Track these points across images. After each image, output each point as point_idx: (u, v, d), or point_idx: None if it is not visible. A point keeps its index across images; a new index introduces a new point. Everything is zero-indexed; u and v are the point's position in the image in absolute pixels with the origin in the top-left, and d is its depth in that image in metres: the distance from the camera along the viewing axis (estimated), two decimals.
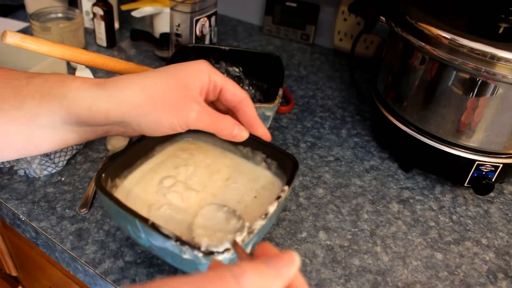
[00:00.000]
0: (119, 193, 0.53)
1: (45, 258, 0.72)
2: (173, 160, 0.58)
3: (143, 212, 0.44)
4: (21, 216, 0.58)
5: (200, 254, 0.41)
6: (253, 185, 0.56)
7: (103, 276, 0.52)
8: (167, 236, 0.42)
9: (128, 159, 0.55)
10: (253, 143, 0.58)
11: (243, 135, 0.47)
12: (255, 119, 0.48)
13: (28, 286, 0.91)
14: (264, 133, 0.49)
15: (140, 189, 0.54)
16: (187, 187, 0.54)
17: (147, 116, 0.44)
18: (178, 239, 0.42)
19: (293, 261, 0.29)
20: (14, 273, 0.90)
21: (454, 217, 0.64)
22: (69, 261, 0.56)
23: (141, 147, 0.56)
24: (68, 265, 0.56)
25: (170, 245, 0.42)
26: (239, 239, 0.43)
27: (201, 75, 0.46)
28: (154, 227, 0.43)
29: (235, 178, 0.57)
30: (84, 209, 0.59)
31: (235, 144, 0.59)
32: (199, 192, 0.54)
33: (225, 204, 0.51)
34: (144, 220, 0.43)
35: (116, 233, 0.57)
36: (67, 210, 0.59)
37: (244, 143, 0.58)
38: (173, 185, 0.54)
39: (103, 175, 0.49)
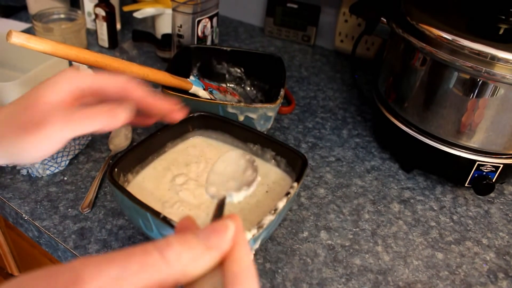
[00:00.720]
0: (132, 188, 0.53)
1: (47, 257, 0.72)
2: (184, 157, 0.59)
3: (157, 208, 0.45)
4: (24, 215, 0.58)
5: None
6: (264, 180, 0.57)
7: None
8: None
9: (140, 155, 0.56)
10: (262, 140, 0.59)
11: (120, 115, 0.41)
12: (148, 98, 0.44)
13: None
14: (168, 107, 0.45)
15: (153, 185, 0.55)
16: (198, 184, 0.55)
17: (12, 145, 0.40)
18: None
19: (226, 230, 0.27)
20: (16, 273, 0.91)
21: (454, 217, 0.64)
22: (71, 260, 0.56)
23: (153, 143, 0.57)
24: None
25: None
26: (251, 233, 0.43)
27: (59, 85, 0.41)
28: (166, 221, 0.43)
29: None
30: (87, 209, 0.59)
31: (245, 141, 0.60)
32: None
33: (248, 153, 0.47)
34: (156, 213, 0.44)
35: (119, 232, 0.57)
36: (69, 209, 0.59)
37: (254, 141, 0.59)
38: (185, 183, 0.55)
39: (116, 169, 0.50)
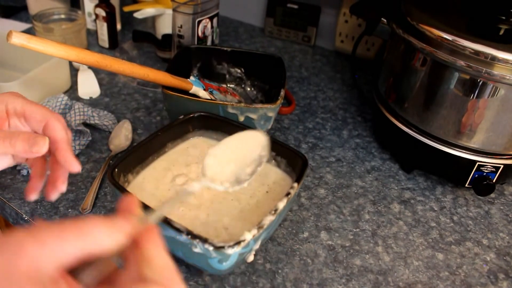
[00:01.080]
0: (132, 189, 0.54)
1: None
2: (184, 157, 0.59)
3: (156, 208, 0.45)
4: (24, 216, 0.58)
5: (211, 248, 0.42)
6: (264, 180, 0.57)
7: None
8: (178, 230, 0.43)
9: (141, 155, 0.56)
10: None
11: (41, 144, 0.40)
12: (61, 143, 0.42)
13: None
14: (70, 161, 0.42)
15: (153, 186, 0.55)
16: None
17: None
18: (189, 233, 0.43)
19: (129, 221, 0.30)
20: None
21: (455, 218, 0.64)
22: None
23: (153, 143, 0.57)
24: None
25: (181, 238, 0.43)
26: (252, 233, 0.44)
27: None
28: (166, 221, 0.43)
29: None
30: (87, 209, 0.59)
31: None
32: (211, 189, 0.55)
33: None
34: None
35: None
36: (70, 210, 0.59)
37: None
38: (185, 183, 0.55)
39: (116, 170, 0.50)
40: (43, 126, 0.43)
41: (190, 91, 0.68)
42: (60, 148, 0.42)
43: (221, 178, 0.41)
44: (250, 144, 0.44)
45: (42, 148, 0.41)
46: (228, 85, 0.82)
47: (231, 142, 0.44)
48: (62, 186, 0.43)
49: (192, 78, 0.72)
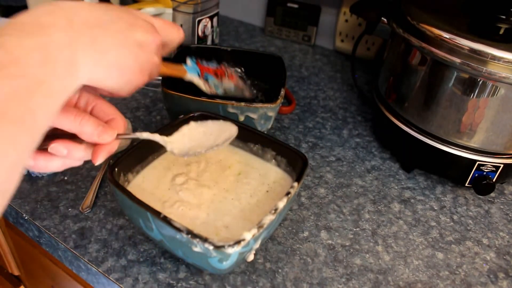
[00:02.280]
0: (132, 188, 0.54)
1: (47, 257, 0.72)
2: None
3: (157, 208, 0.45)
4: (24, 215, 0.58)
5: (211, 247, 0.42)
6: (265, 179, 0.57)
7: (106, 275, 0.52)
8: (178, 229, 0.43)
9: (140, 155, 0.56)
10: (263, 140, 0.59)
11: (108, 136, 0.41)
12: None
13: (31, 285, 0.92)
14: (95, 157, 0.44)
15: (153, 185, 0.55)
16: (199, 184, 0.56)
17: None
18: (189, 232, 0.43)
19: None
20: (16, 272, 0.91)
21: (455, 217, 0.64)
22: (72, 260, 0.56)
23: (153, 143, 0.57)
24: (71, 263, 0.57)
25: (181, 237, 0.43)
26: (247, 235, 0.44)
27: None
28: (166, 220, 0.43)
29: (246, 173, 0.58)
30: (87, 208, 0.59)
31: (245, 141, 0.60)
32: (211, 188, 0.55)
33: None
34: (156, 213, 0.44)
35: (119, 232, 0.57)
36: (70, 209, 0.59)
37: (254, 141, 0.59)
38: (185, 183, 0.55)
39: (116, 169, 0.50)
40: (108, 120, 0.43)
41: (185, 79, 0.66)
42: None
43: (177, 146, 0.49)
44: (220, 133, 0.51)
45: (109, 139, 0.41)
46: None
47: (205, 126, 0.52)
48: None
49: (188, 62, 0.70)
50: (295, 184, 0.50)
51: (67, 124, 0.39)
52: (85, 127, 0.40)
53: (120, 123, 0.43)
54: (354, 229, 0.61)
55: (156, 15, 0.98)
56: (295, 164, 0.56)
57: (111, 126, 0.42)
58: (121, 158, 0.52)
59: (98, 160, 0.42)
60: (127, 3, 1.06)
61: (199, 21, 0.82)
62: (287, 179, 0.58)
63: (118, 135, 0.42)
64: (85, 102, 0.43)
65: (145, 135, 0.47)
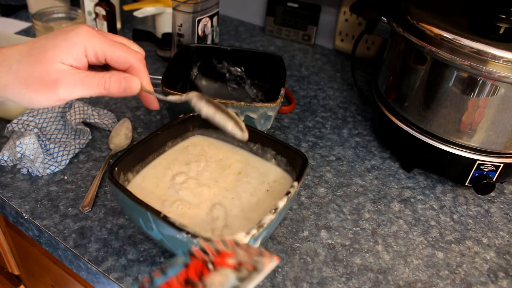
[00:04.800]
0: (132, 188, 0.53)
1: (47, 257, 0.72)
2: (185, 156, 0.59)
3: (156, 207, 0.45)
4: (24, 215, 0.58)
5: None
6: (265, 179, 0.57)
7: (106, 274, 0.52)
8: (178, 228, 0.43)
9: (140, 154, 0.56)
10: (263, 140, 0.59)
11: (133, 87, 0.44)
12: (143, 82, 0.47)
13: (31, 284, 0.92)
14: (152, 103, 0.49)
15: (153, 184, 0.55)
16: (198, 183, 0.55)
17: (17, 95, 0.43)
18: (189, 231, 0.43)
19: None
20: (16, 272, 0.91)
21: (455, 217, 0.64)
22: (72, 259, 0.56)
23: (153, 142, 0.57)
24: (71, 263, 0.57)
25: (181, 237, 0.43)
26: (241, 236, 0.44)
27: (73, 49, 0.43)
28: (166, 220, 0.43)
29: (246, 172, 0.58)
30: (87, 208, 0.59)
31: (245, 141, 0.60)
32: (211, 187, 0.55)
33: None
34: (156, 212, 0.44)
35: (119, 231, 0.57)
36: (70, 209, 0.59)
37: (254, 140, 0.59)
38: (184, 182, 0.55)
39: (116, 168, 0.50)
40: (127, 69, 0.45)
41: None
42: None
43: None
44: None
45: (135, 90, 0.45)
46: (228, 84, 0.82)
47: None
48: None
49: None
50: (295, 183, 0.50)
51: (95, 92, 0.43)
52: (111, 89, 0.43)
53: (139, 67, 0.45)
54: (354, 229, 0.61)
55: (156, 14, 0.98)
56: (295, 164, 0.56)
57: (132, 75, 0.45)
58: (121, 158, 0.52)
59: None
60: (127, 2, 1.06)
61: (199, 21, 0.82)
62: (287, 179, 0.58)
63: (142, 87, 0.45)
64: (95, 57, 0.44)
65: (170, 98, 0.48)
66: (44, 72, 0.41)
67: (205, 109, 0.47)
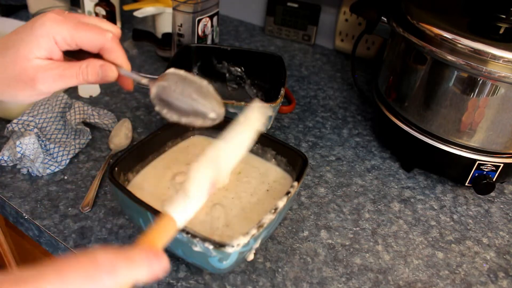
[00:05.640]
0: (132, 187, 0.54)
1: (47, 257, 0.72)
2: (185, 156, 0.59)
3: (156, 207, 0.45)
4: (24, 215, 0.58)
5: (211, 247, 0.42)
6: (265, 178, 0.57)
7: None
8: None
9: (141, 154, 0.56)
10: (263, 140, 0.59)
11: (110, 75, 0.44)
12: (117, 61, 0.45)
13: None
14: (126, 85, 0.47)
15: (152, 184, 0.55)
16: None
17: (2, 95, 0.44)
18: (189, 231, 0.43)
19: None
20: None
21: (455, 217, 0.64)
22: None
23: (153, 142, 0.57)
24: None
25: (181, 237, 0.43)
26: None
27: (42, 41, 0.42)
28: None
29: (246, 172, 0.58)
30: (87, 208, 0.59)
31: None
32: None
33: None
34: (156, 212, 0.44)
35: (119, 231, 0.57)
36: (70, 209, 0.59)
37: (255, 140, 0.59)
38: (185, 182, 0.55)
39: (116, 169, 0.50)
40: (100, 50, 0.44)
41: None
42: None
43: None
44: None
45: (112, 77, 0.44)
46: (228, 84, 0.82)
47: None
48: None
49: None
50: (295, 183, 0.50)
51: (74, 83, 0.43)
52: (89, 79, 0.43)
53: (112, 47, 0.44)
54: (354, 229, 0.61)
55: (156, 14, 0.98)
56: (295, 164, 0.56)
57: (105, 54, 0.44)
58: (121, 158, 0.52)
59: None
60: (127, 2, 1.06)
61: (199, 21, 0.82)
62: (287, 178, 0.58)
63: (118, 68, 0.44)
64: (65, 44, 0.43)
65: (144, 81, 0.45)
66: (21, 71, 0.42)
67: (169, 115, 0.45)
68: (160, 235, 0.38)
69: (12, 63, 0.42)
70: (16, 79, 0.42)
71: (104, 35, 0.44)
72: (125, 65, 0.45)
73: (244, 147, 0.44)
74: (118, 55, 0.45)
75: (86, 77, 0.43)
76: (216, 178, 0.41)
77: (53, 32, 0.42)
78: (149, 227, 0.38)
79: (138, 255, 0.34)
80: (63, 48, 0.44)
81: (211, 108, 0.43)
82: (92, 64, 0.43)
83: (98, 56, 0.44)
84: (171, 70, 0.44)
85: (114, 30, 0.46)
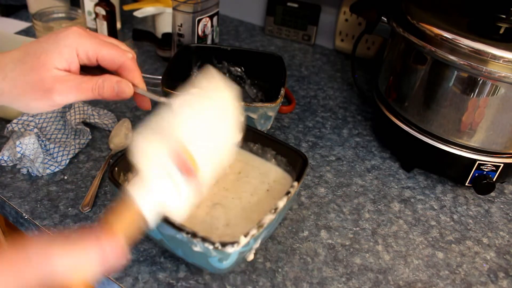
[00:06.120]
0: None
1: None
2: None
3: None
4: (24, 215, 0.58)
5: (211, 247, 0.42)
6: (265, 178, 0.57)
7: (106, 274, 0.52)
8: (178, 228, 0.43)
9: None
10: (263, 140, 0.59)
11: (126, 91, 0.45)
12: (135, 81, 0.47)
13: None
14: (145, 103, 0.49)
15: None
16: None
17: (14, 102, 0.44)
18: (189, 231, 0.43)
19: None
20: None
21: (455, 217, 0.64)
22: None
23: None
24: None
25: (181, 237, 0.43)
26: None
27: (65, 52, 0.43)
28: (166, 220, 0.43)
29: (246, 172, 0.58)
30: (87, 208, 0.59)
31: (245, 140, 0.60)
32: (211, 186, 0.55)
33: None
34: None
35: None
36: (70, 209, 0.59)
37: (254, 140, 0.59)
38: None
39: (116, 169, 0.50)
40: (118, 68, 0.46)
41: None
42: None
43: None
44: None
45: (128, 94, 0.45)
46: None
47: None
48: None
49: None
50: (295, 183, 0.50)
51: (89, 97, 0.44)
52: (104, 94, 0.44)
53: (130, 67, 0.46)
54: (354, 229, 0.61)
55: (156, 14, 0.98)
56: (295, 164, 0.56)
57: (123, 72, 0.46)
58: (121, 158, 0.52)
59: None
60: (127, 2, 1.06)
61: (199, 21, 0.82)
62: (287, 178, 0.58)
63: (134, 87, 0.45)
64: (87, 59, 0.45)
65: (162, 99, 0.46)
66: (39, 80, 0.42)
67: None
68: (120, 220, 0.37)
69: (31, 71, 0.42)
70: (33, 88, 0.42)
71: (125, 54, 0.46)
72: (141, 85, 0.47)
73: (209, 119, 0.42)
74: (136, 75, 0.46)
75: (102, 91, 0.44)
76: (180, 154, 0.39)
77: (76, 44, 0.43)
78: (114, 211, 0.38)
79: (88, 240, 0.35)
80: (82, 61, 0.45)
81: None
82: (108, 79, 0.44)
83: (113, 74, 0.46)
84: (194, 90, 0.45)
85: (131, 52, 0.48)
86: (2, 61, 0.43)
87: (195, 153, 0.40)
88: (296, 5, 1.05)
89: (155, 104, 0.46)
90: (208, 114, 0.42)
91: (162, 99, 0.46)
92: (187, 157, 0.39)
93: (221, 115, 0.44)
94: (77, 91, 0.43)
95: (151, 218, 0.39)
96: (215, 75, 0.45)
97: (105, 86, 0.44)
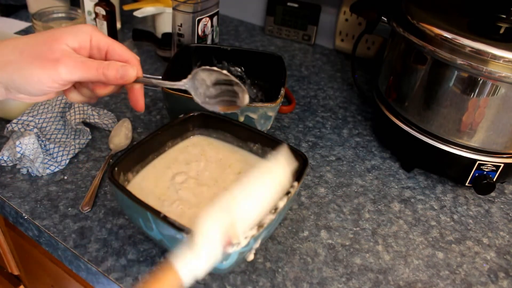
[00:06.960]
0: (132, 188, 0.53)
1: (47, 257, 0.72)
2: (184, 155, 0.59)
3: (156, 207, 0.45)
4: (24, 215, 0.58)
5: None
6: None
7: (106, 274, 0.52)
8: (178, 228, 0.43)
9: (141, 154, 0.56)
10: (263, 140, 0.58)
11: (130, 74, 0.46)
12: (138, 87, 0.50)
13: (30, 285, 0.92)
14: (139, 102, 0.50)
15: (152, 184, 0.55)
16: (198, 183, 0.55)
17: (18, 72, 0.44)
18: (189, 231, 0.42)
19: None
20: (16, 272, 0.91)
21: (455, 217, 0.64)
22: (71, 259, 0.56)
23: (153, 142, 0.57)
24: (71, 263, 0.57)
25: (181, 237, 0.43)
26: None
27: (80, 34, 0.46)
28: (166, 220, 0.43)
29: (246, 172, 0.58)
30: (87, 208, 0.59)
31: (245, 140, 0.60)
32: (211, 186, 0.55)
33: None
34: (156, 212, 0.44)
35: (119, 231, 0.57)
36: (69, 209, 0.59)
37: (254, 140, 0.59)
38: (184, 181, 0.55)
39: (116, 169, 0.50)
40: (125, 62, 0.48)
41: None
42: (134, 89, 0.50)
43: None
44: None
45: (131, 77, 0.47)
46: None
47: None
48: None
49: None
50: (295, 183, 0.50)
51: (92, 76, 0.45)
52: (108, 75, 0.45)
53: (135, 63, 0.48)
54: (354, 229, 0.61)
55: (156, 14, 0.98)
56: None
57: (129, 64, 0.47)
58: (121, 158, 0.52)
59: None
60: (127, 2, 1.06)
61: (199, 21, 0.82)
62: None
63: (137, 78, 0.47)
64: (97, 49, 0.47)
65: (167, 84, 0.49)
66: (48, 49, 0.44)
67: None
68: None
69: (43, 42, 0.44)
70: (41, 57, 0.43)
71: (134, 54, 0.49)
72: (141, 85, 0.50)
73: (264, 199, 0.44)
74: (140, 73, 0.49)
75: (107, 72, 0.45)
76: (231, 230, 0.41)
77: (91, 32, 0.46)
78: (152, 277, 0.38)
79: None
80: (92, 50, 0.47)
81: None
82: (114, 62, 0.46)
83: None
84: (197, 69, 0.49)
85: (137, 57, 0.50)
86: (17, 39, 0.45)
87: (240, 227, 0.42)
88: (296, 5, 1.05)
89: (150, 105, 0.46)
90: (265, 193, 0.45)
91: (167, 83, 0.49)
92: (234, 236, 0.41)
93: (275, 192, 0.47)
94: (83, 66, 0.44)
95: (188, 284, 0.40)
96: (283, 152, 0.48)
97: (110, 67, 0.45)
